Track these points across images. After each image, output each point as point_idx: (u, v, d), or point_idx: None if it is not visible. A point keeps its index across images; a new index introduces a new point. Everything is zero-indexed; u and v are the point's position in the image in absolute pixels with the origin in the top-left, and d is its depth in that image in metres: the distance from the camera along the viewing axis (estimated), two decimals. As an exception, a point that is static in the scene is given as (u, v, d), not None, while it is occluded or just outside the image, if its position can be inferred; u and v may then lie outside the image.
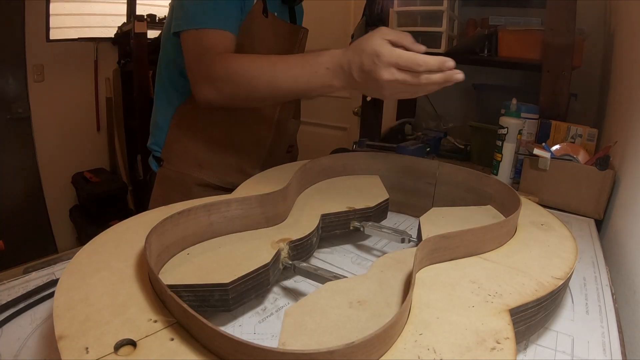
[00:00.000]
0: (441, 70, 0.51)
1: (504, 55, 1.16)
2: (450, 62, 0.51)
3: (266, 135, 0.86)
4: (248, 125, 0.83)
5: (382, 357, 0.29)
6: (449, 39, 1.28)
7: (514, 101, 0.91)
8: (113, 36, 2.26)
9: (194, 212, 0.45)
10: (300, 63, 0.60)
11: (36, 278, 0.48)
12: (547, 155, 0.81)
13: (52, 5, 1.98)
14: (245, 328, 0.42)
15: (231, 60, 0.63)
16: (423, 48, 0.55)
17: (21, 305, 0.43)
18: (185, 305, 0.29)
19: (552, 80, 1.03)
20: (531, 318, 0.38)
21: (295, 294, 0.48)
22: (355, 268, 0.55)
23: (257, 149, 0.86)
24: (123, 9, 2.27)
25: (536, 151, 0.81)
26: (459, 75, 0.52)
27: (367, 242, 0.62)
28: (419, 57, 0.51)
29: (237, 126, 0.83)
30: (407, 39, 0.55)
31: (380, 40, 0.53)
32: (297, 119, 0.96)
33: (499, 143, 0.89)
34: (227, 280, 0.39)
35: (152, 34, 2.08)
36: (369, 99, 1.41)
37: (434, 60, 0.51)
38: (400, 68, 0.52)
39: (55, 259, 0.53)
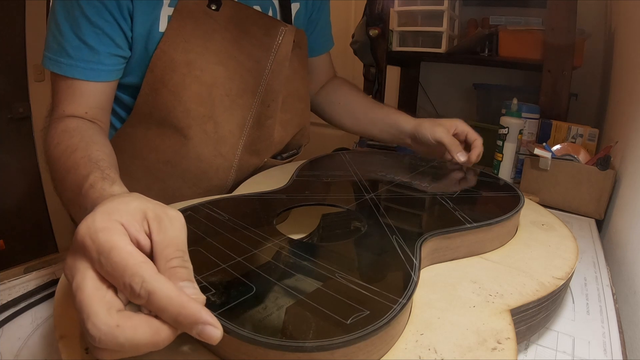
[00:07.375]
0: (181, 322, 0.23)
1: (505, 55, 1.16)
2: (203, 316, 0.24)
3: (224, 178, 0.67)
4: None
5: (383, 357, 0.29)
6: (450, 39, 1.28)
7: (515, 101, 0.91)
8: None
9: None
10: (77, 189, 0.40)
11: (36, 278, 0.48)
12: (548, 155, 0.81)
13: (52, 5, 1.98)
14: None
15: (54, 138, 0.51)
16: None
17: (21, 305, 0.43)
18: (185, 305, 0.29)
19: (553, 80, 1.03)
20: (532, 318, 0.38)
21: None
22: (356, 268, 0.54)
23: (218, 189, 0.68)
24: (123, 8, 2.28)
25: (537, 151, 0.81)
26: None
27: (367, 242, 0.62)
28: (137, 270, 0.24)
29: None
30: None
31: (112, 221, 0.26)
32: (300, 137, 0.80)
33: (499, 143, 0.89)
34: (227, 280, 0.39)
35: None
36: (369, 98, 1.41)
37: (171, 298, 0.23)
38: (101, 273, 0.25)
39: (55, 259, 0.53)
